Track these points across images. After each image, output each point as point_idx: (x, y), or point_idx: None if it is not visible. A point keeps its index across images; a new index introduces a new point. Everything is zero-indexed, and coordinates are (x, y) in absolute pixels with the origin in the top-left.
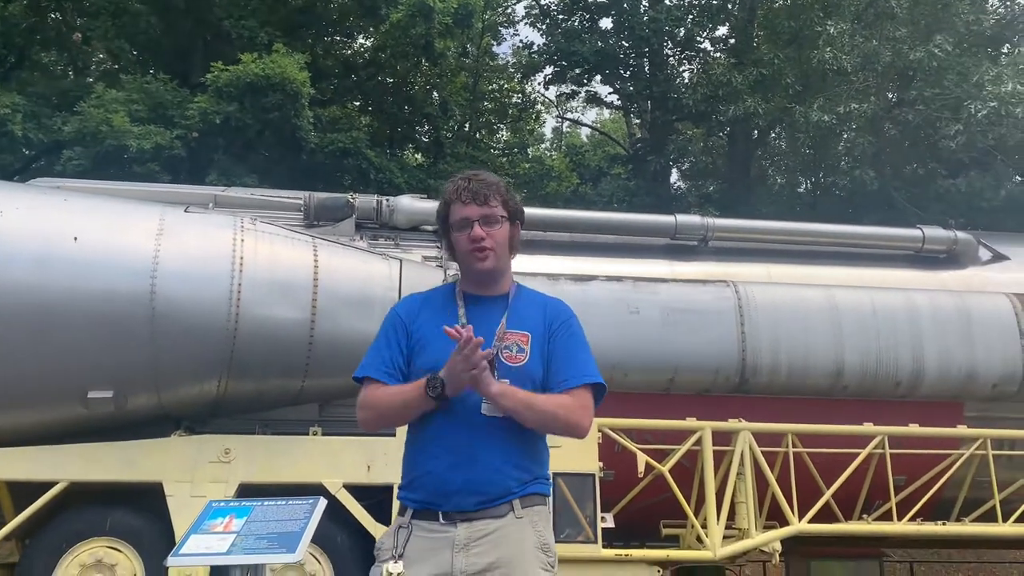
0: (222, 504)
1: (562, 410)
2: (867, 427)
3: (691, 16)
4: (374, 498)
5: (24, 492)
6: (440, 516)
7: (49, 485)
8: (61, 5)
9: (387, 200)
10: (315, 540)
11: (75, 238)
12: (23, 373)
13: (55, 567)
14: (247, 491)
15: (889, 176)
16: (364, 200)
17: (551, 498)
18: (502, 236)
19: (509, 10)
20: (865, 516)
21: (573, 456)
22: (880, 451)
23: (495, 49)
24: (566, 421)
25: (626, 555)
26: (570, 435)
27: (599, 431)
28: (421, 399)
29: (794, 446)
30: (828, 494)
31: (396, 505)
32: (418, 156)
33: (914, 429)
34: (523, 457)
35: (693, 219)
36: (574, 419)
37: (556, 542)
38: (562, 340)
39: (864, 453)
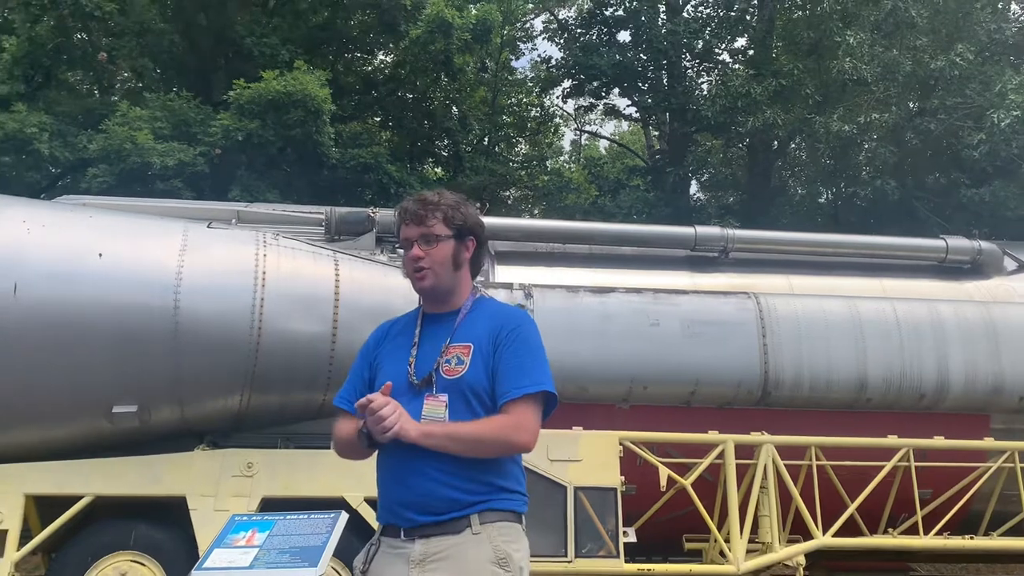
0: (245, 518)
1: (490, 433)
2: (891, 439)
3: (709, 28)
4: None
5: (50, 506)
6: (401, 532)
7: (75, 499)
8: (87, 25)
9: None
10: (337, 554)
11: (100, 254)
12: (49, 388)
13: None
14: (270, 505)
15: (911, 186)
16: (384, 214)
17: (572, 511)
18: (441, 254)
19: (527, 25)
20: (890, 530)
21: (594, 470)
22: (905, 464)
23: (514, 64)
24: (496, 443)
25: (648, 570)
26: (510, 454)
27: (620, 444)
28: (362, 446)
29: (817, 459)
30: (852, 507)
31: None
32: (438, 170)
33: (939, 441)
34: (471, 471)
35: (713, 230)
36: (503, 438)
37: (578, 556)
38: (508, 349)
39: (889, 466)
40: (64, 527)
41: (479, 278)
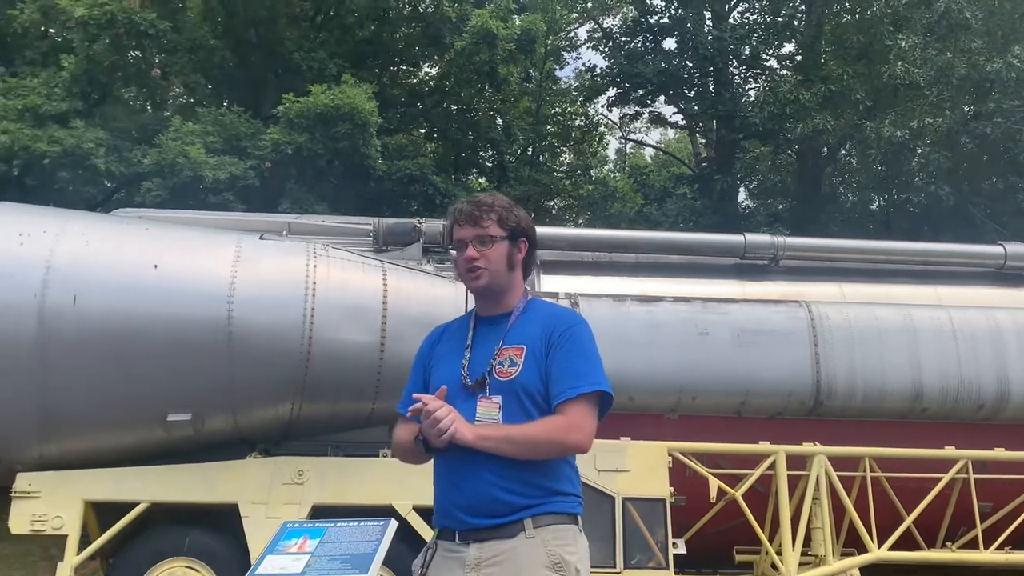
0: (296, 525)
1: (545, 434)
2: (949, 451)
3: (756, 34)
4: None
5: (108, 512)
6: (456, 536)
7: (131, 506)
8: (141, 43)
9: None
10: (386, 562)
11: (155, 266)
12: (107, 397)
13: None
14: (320, 512)
15: (966, 192)
16: (431, 225)
17: (621, 521)
18: (495, 255)
19: (571, 34)
20: (949, 544)
21: (643, 481)
22: (964, 476)
23: (558, 73)
24: (551, 444)
25: None
26: (565, 455)
27: (669, 455)
28: (419, 452)
29: (872, 470)
30: (909, 520)
31: None
32: (482, 180)
33: (1000, 453)
34: (524, 473)
35: (763, 238)
36: (559, 440)
37: (627, 568)
38: (561, 350)
39: (947, 478)
40: (121, 533)
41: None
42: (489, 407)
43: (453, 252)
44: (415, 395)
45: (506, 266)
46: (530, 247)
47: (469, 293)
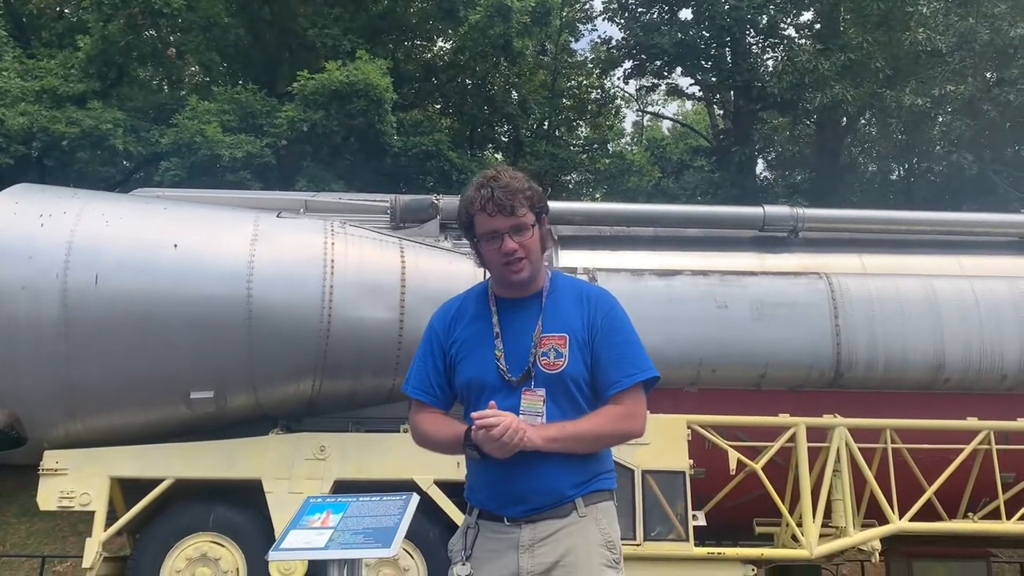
0: (319, 500)
1: (608, 426)
2: (971, 422)
3: (774, 3)
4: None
5: (134, 489)
6: (504, 518)
7: (156, 482)
8: (156, 22)
9: None
10: (408, 536)
11: (175, 245)
12: (130, 375)
13: (163, 560)
14: (342, 487)
15: (989, 160)
16: (448, 201)
17: (640, 494)
18: (534, 243)
19: (587, 6)
20: (971, 515)
21: (663, 454)
22: (986, 447)
23: (573, 46)
24: (615, 436)
25: (719, 553)
26: (623, 443)
27: (689, 428)
28: (469, 458)
29: (893, 442)
30: (930, 491)
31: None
32: (498, 156)
33: (1022, 423)
34: (577, 462)
35: (782, 210)
36: (622, 431)
37: (647, 540)
38: (606, 337)
39: (968, 449)
40: (147, 509)
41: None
42: (534, 400)
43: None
44: (475, 417)
45: (541, 251)
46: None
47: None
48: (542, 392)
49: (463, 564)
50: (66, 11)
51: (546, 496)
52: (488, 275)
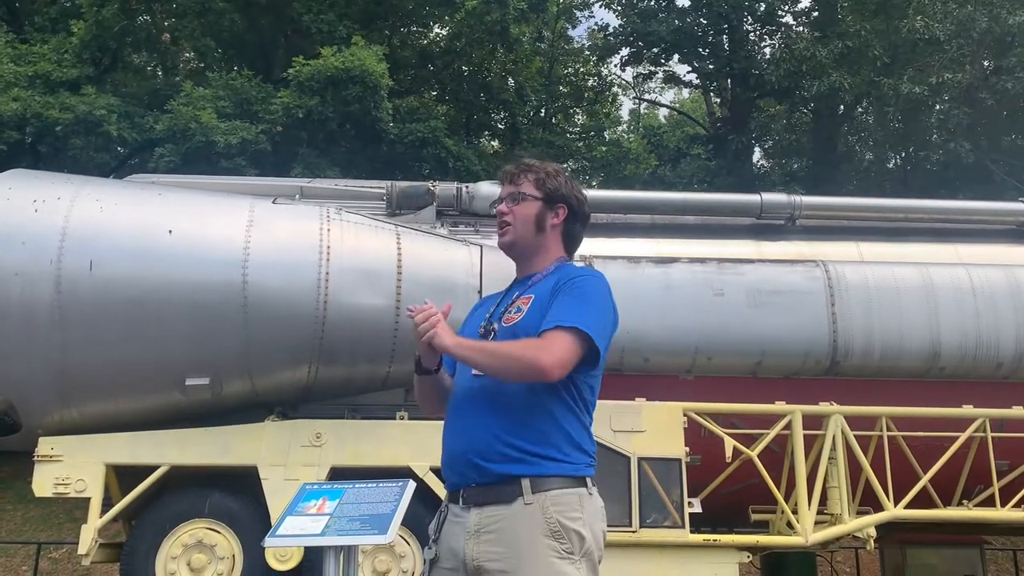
0: (315, 487)
1: (516, 349)
2: (967, 409)
3: None
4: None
5: (129, 475)
6: (460, 499)
7: (152, 469)
8: (150, 7)
9: (467, 187)
10: (404, 522)
11: (170, 231)
12: (125, 362)
13: (159, 547)
14: (338, 474)
15: (986, 148)
16: (444, 188)
17: (636, 481)
18: (524, 212)
19: None
20: (965, 502)
21: (659, 441)
22: (981, 434)
23: (570, 33)
24: (520, 360)
25: (714, 540)
26: (530, 377)
27: (685, 416)
28: (415, 377)
29: (888, 430)
30: (925, 479)
31: None
32: (495, 143)
33: (1018, 411)
34: (527, 425)
35: (779, 197)
36: (527, 356)
37: (642, 527)
38: (560, 295)
39: (964, 436)
40: (143, 495)
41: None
42: None
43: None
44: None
45: (534, 226)
46: (571, 216)
47: (483, 258)
48: None
49: (429, 548)
50: None
51: (489, 455)
52: None
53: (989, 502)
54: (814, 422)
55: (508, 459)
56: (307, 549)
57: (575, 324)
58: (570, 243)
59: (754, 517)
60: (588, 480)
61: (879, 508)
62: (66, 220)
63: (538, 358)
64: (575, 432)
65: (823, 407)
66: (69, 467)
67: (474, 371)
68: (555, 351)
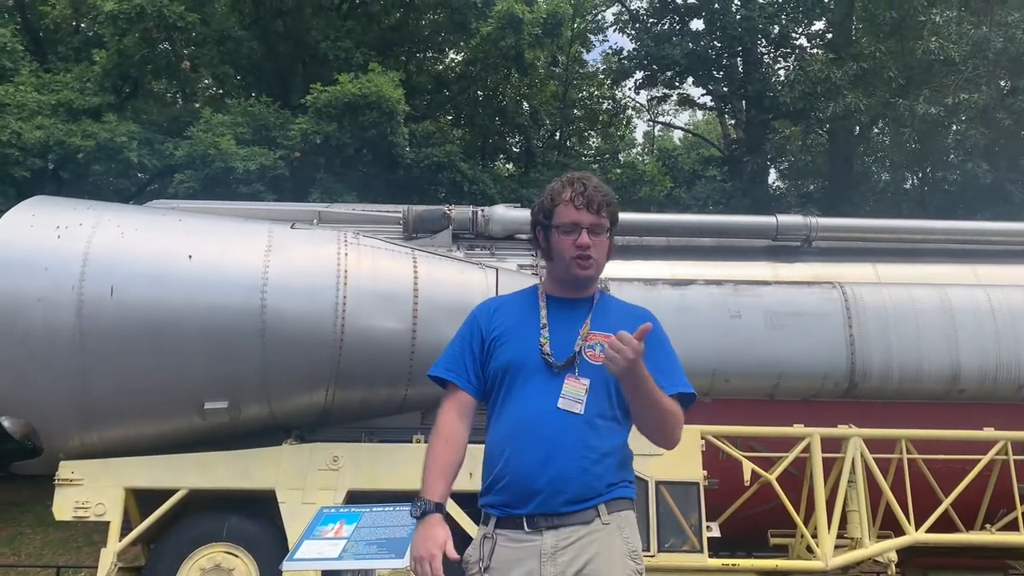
0: (333, 510)
1: (673, 414)
2: (988, 432)
3: (785, 12)
4: (477, 505)
5: (148, 499)
6: (524, 523)
7: (171, 492)
8: (171, 36)
9: (482, 211)
10: None
11: (190, 256)
12: (145, 386)
13: (177, 570)
14: (355, 498)
15: (1004, 169)
16: (460, 211)
17: (654, 505)
18: (605, 247)
19: (598, 17)
20: (988, 526)
21: (677, 464)
22: (1003, 457)
23: (584, 56)
24: (672, 425)
25: (733, 565)
26: (665, 443)
27: (702, 439)
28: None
29: (908, 452)
30: (947, 502)
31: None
32: (509, 166)
33: None
34: (608, 457)
35: (796, 219)
36: (675, 426)
37: (661, 551)
38: (652, 349)
39: (985, 459)
40: (161, 519)
41: None
42: (577, 387)
43: (521, 238)
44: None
45: (607, 259)
46: None
47: (499, 280)
48: (586, 381)
49: (481, 574)
50: (82, 25)
51: (577, 486)
52: (543, 274)
53: (1012, 526)
54: (833, 445)
55: (595, 492)
56: (324, 573)
57: (689, 388)
58: None
59: (773, 541)
60: (635, 503)
61: (900, 532)
62: (88, 246)
63: (678, 433)
64: (631, 457)
65: (842, 430)
66: (89, 491)
67: (562, 404)
68: (682, 424)
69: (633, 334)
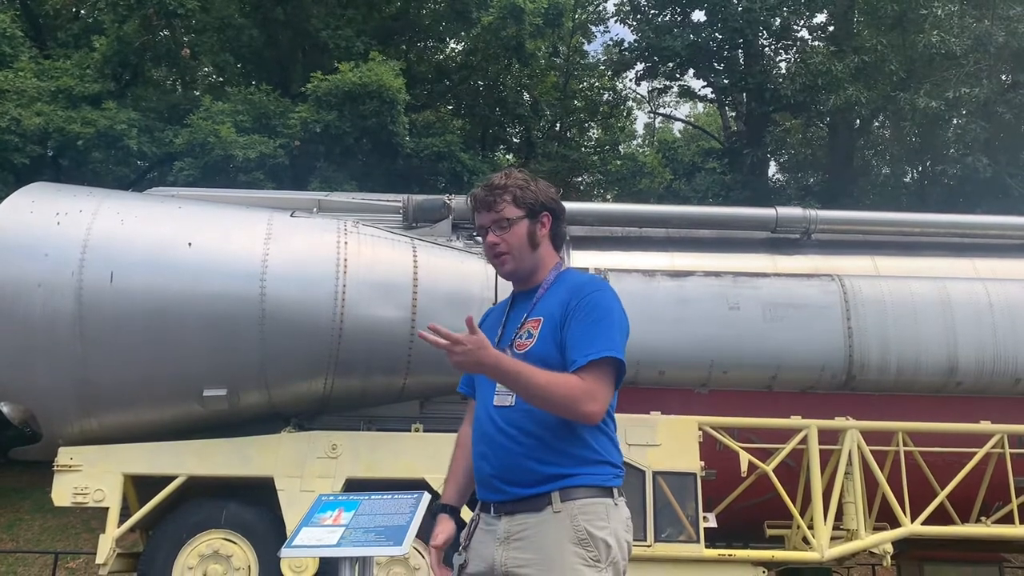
0: (331, 498)
1: (561, 388)
2: (984, 425)
3: (787, 5)
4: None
5: (147, 485)
6: (492, 509)
7: (169, 479)
8: (171, 23)
9: None
10: (419, 535)
11: (189, 244)
12: (144, 372)
13: (176, 557)
14: (353, 486)
15: (1003, 163)
16: (460, 201)
17: (651, 495)
18: (516, 237)
19: (599, 7)
20: (983, 519)
21: (674, 455)
22: (999, 450)
23: (585, 47)
24: (563, 401)
25: (729, 555)
26: (571, 417)
27: (700, 430)
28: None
29: (905, 444)
30: (943, 495)
31: None
32: (509, 157)
33: None
34: (548, 444)
35: (795, 211)
36: (572, 400)
37: (657, 542)
38: (576, 318)
39: (981, 452)
40: (160, 505)
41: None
42: None
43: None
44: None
45: (529, 246)
46: (555, 220)
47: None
48: None
49: (459, 553)
50: (82, 12)
51: (517, 476)
52: None
53: (1008, 519)
54: (830, 437)
55: (539, 477)
56: (322, 560)
57: (606, 353)
58: (559, 243)
59: (769, 532)
60: (615, 490)
61: (896, 524)
62: (88, 232)
63: (586, 408)
64: (600, 445)
65: (839, 422)
66: (88, 477)
67: (495, 400)
68: (600, 396)
69: (569, 307)
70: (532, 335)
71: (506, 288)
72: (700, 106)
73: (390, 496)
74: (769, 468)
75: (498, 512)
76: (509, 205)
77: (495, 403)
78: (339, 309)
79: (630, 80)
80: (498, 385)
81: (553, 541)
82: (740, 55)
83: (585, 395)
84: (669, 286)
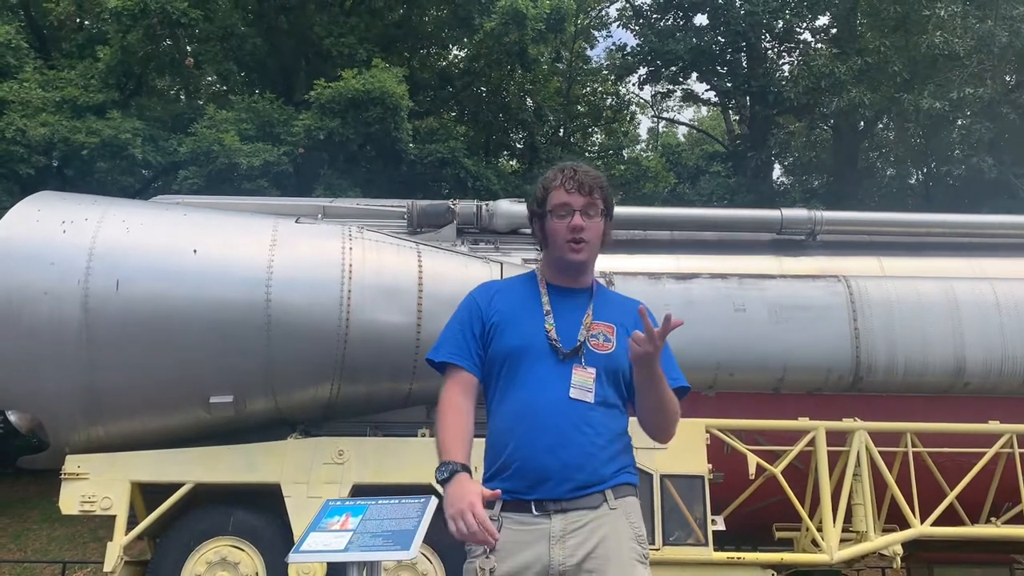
0: (338, 503)
1: (675, 409)
2: (993, 425)
3: (790, 7)
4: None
5: (154, 493)
6: (533, 507)
7: (176, 486)
8: (174, 32)
9: (487, 205)
10: (426, 539)
11: (195, 250)
12: (150, 380)
13: (184, 564)
14: (360, 491)
15: (1008, 163)
16: (464, 206)
17: (659, 498)
18: (598, 230)
19: (602, 12)
20: (993, 520)
21: (682, 458)
22: (1008, 450)
23: (588, 52)
24: (673, 419)
25: (738, 558)
26: (663, 436)
27: (707, 432)
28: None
29: (913, 445)
30: (952, 496)
31: None
32: (513, 162)
33: None
34: (613, 444)
35: (800, 213)
36: (675, 420)
37: (666, 545)
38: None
39: (991, 453)
40: (167, 513)
41: None
42: (585, 376)
43: (526, 232)
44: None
45: (600, 244)
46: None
47: (503, 274)
48: (593, 370)
49: (486, 558)
50: (86, 23)
51: (584, 473)
52: (540, 260)
53: (1018, 519)
54: (838, 438)
55: (599, 481)
56: (330, 565)
57: (685, 383)
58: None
59: (778, 535)
60: (638, 490)
61: (905, 525)
62: (93, 240)
63: (675, 428)
64: (631, 445)
65: (847, 423)
66: (95, 485)
67: (573, 394)
68: (679, 421)
69: (658, 325)
70: (610, 340)
71: None
72: (704, 110)
73: (397, 500)
74: (777, 470)
75: (546, 510)
76: (600, 200)
77: (572, 396)
78: (344, 315)
79: (633, 84)
80: (575, 378)
81: (613, 536)
82: (743, 58)
83: (679, 419)
84: (675, 288)
